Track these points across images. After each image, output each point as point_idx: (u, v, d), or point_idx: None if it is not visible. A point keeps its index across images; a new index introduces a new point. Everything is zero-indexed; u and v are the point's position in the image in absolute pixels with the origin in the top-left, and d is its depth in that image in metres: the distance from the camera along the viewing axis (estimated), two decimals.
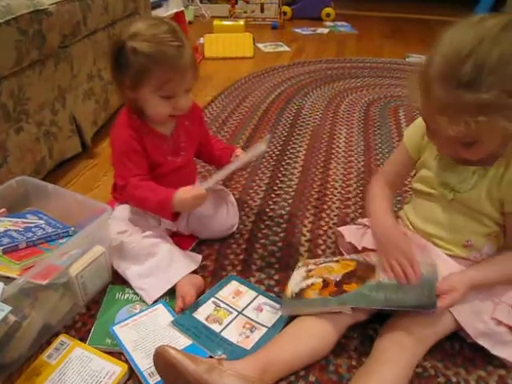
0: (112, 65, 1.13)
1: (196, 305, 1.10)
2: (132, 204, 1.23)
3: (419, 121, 1.08)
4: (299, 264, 1.16)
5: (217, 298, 1.13)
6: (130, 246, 1.15)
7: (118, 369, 0.93)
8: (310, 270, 1.10)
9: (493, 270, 0.98)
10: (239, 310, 1.10)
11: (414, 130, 1.11)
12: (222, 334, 1.03)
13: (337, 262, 1.10)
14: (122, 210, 1.24)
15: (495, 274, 0.98)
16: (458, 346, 1.02)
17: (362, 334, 1.05)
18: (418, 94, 0.88)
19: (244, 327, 1.05)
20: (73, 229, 1.19)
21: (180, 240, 1.29)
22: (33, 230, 1.16)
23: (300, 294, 1.03)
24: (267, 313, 1.09)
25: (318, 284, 1.04)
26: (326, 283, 1.03)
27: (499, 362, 0.98)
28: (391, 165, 1.19)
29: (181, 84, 1.10)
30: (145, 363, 0.95)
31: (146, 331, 1.02)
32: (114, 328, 1.02)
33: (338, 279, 1.03)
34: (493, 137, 0.84)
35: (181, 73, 1.09)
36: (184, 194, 1.10)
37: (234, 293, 1.15)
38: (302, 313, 1.01)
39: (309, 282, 1.06)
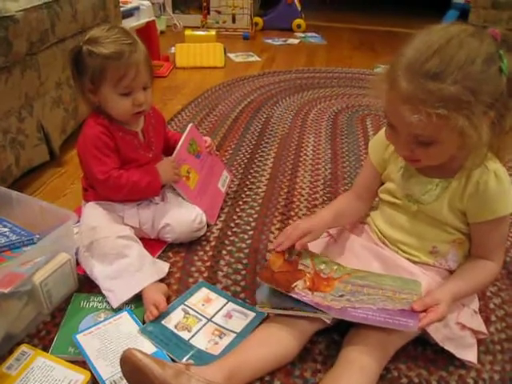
0: (72, 71, 1.21)
1: (165, 312, 1.09)
2: (116, 196, 1.25)
3: (381, 134, 1.11)
4: None
5: (186, 306, 1.12)
6: (101, 243, 1.15)
7: (80, 377, 0.92)
8: None
9: (466, 282, 0.99)
10: (208, 317, 1.10)
11: (377, 143, 1.14)
12: (190, 341, 1.03)
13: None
14: (91, 207, 1.26)
15: (469, 285, 1.00)
16: (420, 348, 1.04)
17: (327, 339, 1.05)
18: (383, 91, 0.91)
19: (213, 334, 1.05)
20: (38, 236, 1.17)
21: (147, 246, 1.27)
22: None
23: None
24: (236, 319, 1.09)
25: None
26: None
27: (460, 363, 1.01)
28: (360, 178, 1.23)
29: (136, 79, 1.18)
30: (107, 371, 0.93)
31: (110, 339, 1.01)
32: (77, 336, 1.00)
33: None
34: (451, 137, 0.87)
35: (134, 68, 1.17)
36: (165, 165, 1.32)
37: (204, 300, 1.15)
38: (278, 312, 0.99)
39: None
